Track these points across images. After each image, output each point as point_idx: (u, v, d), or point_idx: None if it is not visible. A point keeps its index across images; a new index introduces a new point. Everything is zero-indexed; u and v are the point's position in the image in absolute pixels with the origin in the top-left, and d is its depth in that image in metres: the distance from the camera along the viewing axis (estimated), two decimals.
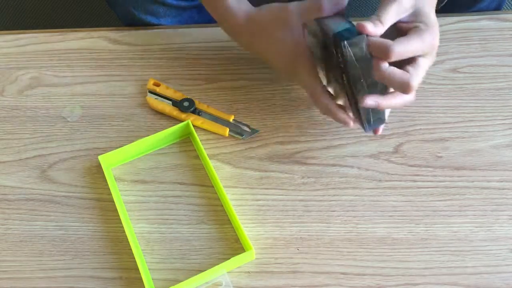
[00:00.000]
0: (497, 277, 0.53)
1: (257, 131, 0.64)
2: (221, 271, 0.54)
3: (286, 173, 0.61)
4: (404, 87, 0.50)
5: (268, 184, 0.60)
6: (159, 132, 0.62)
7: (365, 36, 0.49)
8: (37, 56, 0.72)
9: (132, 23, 0.76)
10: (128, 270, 0.55)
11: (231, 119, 0.65)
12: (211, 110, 0.65)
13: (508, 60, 0.67)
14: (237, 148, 0.63)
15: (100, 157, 0.60)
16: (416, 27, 0.52)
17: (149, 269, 0.55)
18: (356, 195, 0.59)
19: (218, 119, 0.65)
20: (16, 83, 0.70)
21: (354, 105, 0.53)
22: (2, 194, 0.61)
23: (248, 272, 0.55)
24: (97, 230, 0.58)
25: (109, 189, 0.59)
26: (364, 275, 0.54)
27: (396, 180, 0.59)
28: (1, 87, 0.70)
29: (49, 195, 0.61)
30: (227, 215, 0.58)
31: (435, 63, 0.67)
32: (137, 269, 0.54)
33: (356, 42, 0.49)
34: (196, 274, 0.53)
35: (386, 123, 0.58)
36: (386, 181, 0.59)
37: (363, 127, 0.55)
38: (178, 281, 0.53)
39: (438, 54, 0.68)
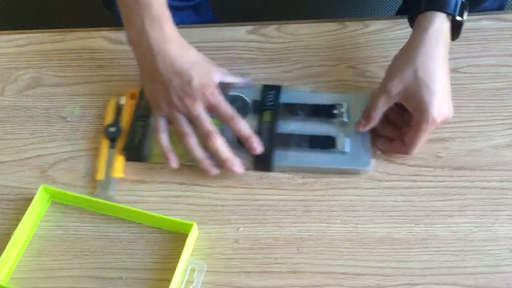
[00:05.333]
0: (497, 277, 0.53)
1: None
2: (184, 259, 0.53)
3: (286, 173, 0.61)
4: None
5: (268, 184, 0.60)
6: None
7: None
8: (37, 56, 0.72)
9: None
10: (128, 270, 0.55)
11: None
12: None
13: (508, 60, 0.67)
14: None
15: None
16: (411, 125, 0.57)
17: (149, 269, 0.55)
18: (356, 195, 0.59)
19: None
20: (16, 83, 0.70)
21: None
22: (2, 194, 0.61)
23: (248, 272, 0.55)
24: (97, 230, 0.58)
25: None
26: (364, 275, 0.54)
27: (396, 180, 0.59)
28: (1, 87, 0.70)
29: None
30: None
31: None
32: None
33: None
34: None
35: None
36: (386, 181, 0.59)
37: None
38: None
39: None
